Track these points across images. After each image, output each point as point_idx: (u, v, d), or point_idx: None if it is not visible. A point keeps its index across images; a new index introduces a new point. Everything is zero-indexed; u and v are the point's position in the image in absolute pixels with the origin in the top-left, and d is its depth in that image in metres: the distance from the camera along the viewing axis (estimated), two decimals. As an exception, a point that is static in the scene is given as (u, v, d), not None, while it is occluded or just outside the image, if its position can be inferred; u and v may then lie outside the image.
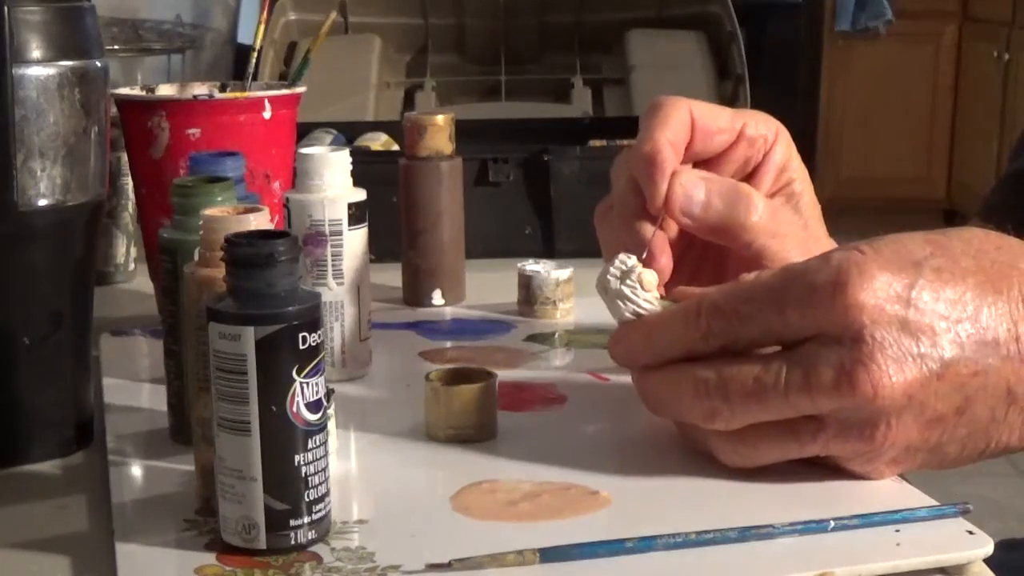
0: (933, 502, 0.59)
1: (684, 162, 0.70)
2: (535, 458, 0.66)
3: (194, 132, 0.89)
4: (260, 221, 0.62)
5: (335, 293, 0.79)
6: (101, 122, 0.70)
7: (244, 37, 1.76)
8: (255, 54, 0.99)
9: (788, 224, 0.70)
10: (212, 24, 1.65)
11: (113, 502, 0.62)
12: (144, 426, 0.72)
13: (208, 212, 0.62)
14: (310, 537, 0.56)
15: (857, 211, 3.97)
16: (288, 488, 0.55)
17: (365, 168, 0.86)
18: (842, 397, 0.57)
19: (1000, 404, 0.59)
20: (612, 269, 0.64)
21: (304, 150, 0.81)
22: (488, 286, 1.00)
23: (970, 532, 0.57)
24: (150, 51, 1.53)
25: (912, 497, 0.60)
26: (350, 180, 0.80)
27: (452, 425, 0.68)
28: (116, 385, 0.79)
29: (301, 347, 0.54)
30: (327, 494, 0.57)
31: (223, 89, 0.98)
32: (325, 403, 0.56)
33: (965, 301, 0.58)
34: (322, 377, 0.56)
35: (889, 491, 0.61)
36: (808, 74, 4.66)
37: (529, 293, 0.94)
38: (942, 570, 0.55)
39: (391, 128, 1.37)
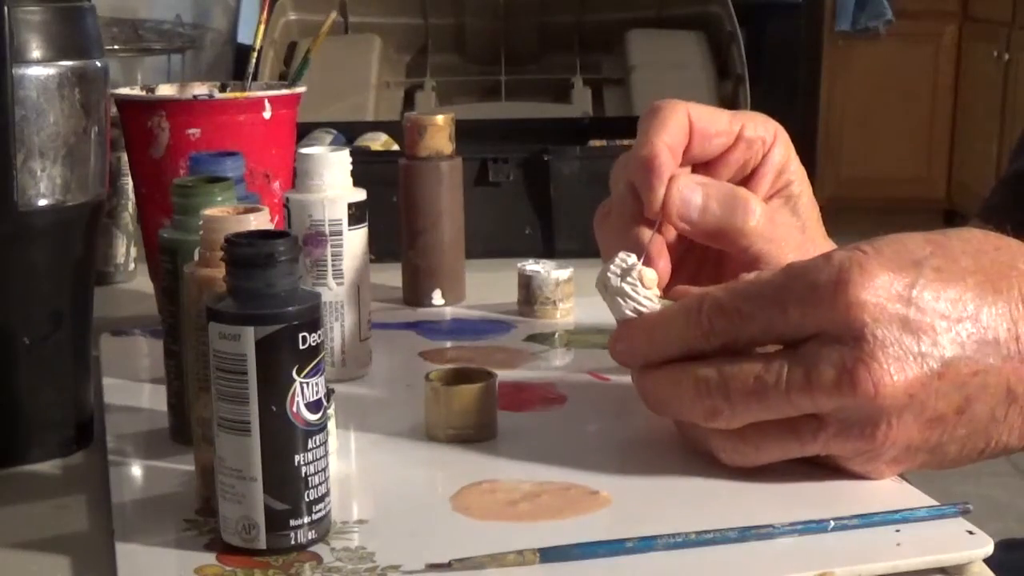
0: (933, 502, 0.59)
1: (682, 165, 0.71)
2: (535, 458, 0.66)
3: (194, 132, 0.89)
4: (260, 221, 0.62)
5: (335, 293, 0.79)
6: (101, 122, 0.70)
7: (244, 37, 1.76)
8: (255, 54, 0.99)
9: (786, 228, 0.71)
10: (212, 24, 1.65)
11: (113, 502, 0.62)
12: (144, 426, 0.72)
13: (208, 212, 0.62)
14: (310, 537, 0.56)
15: (857, 211, 3.98)
16: (288, 488, 0.55)
17: (365, 168, 0.86)
18: (843, 396, 0.57)
19: (1000, 404, 0.59)
20: (612, 267, 0.64)
21: (304, 150, 0.81)
22: (488, 286, 1.00)
23: (970, 532, 0.57)
24: (150, 51, 1.53)
25: (912, 497, 0.60)
26: (350, 180, 0.80)
27: (452, 425, 0.68)
28: (116, 385, 0.79)
29: (301, 347, 0.54)
30: (327, 494, 0.57)
31: (223, 89, 0.98)
32: (325, 403, 0.56)
33: (965, 300, 0.58)
34: (322, 377, 0.56)
35: (889, 491, 0.61)
36: (808, 74, 4.66)
37: (529, 293, 0.94)
38: (942, 570, 0.55)
39: (391, 128, 1.37)
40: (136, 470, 0.67)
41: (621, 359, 0.64)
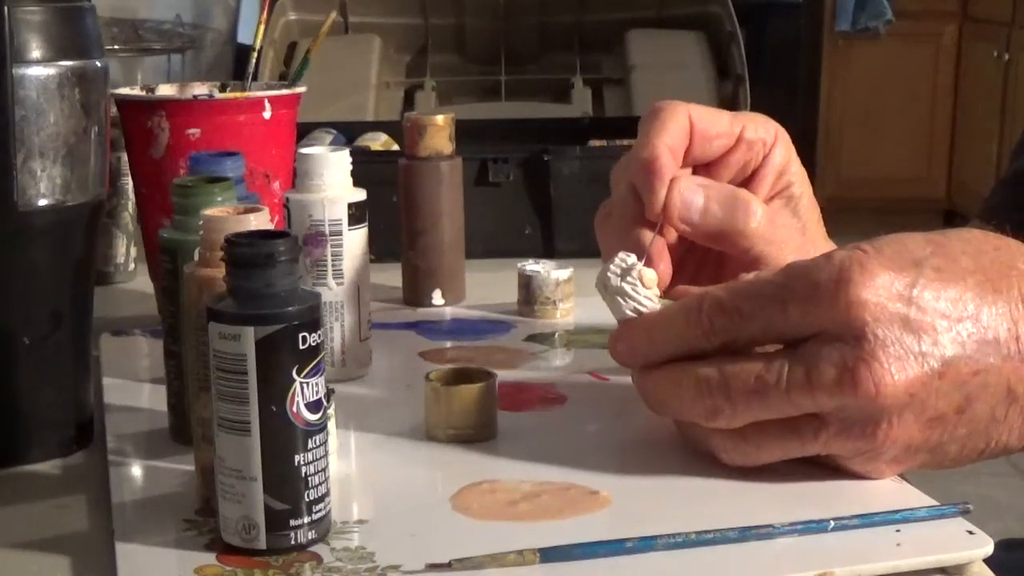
0: (933, 502, 0.59)
1: (683, 167, 0.71)
2: (535, 458, 0.66)
3: (194, 132, 0.89)
4: (260, 221, 0.62)
5: (335, 293, 0.79)
6: (101, 122, 0.70)
7: (244, 37, 1.76)
8: (255, 54, 0.99)
9: (786, 230, 0.71)
10: (212, 24, 1.65)
11: (113, 502, 0.62)
12: (144, 426, 0.72)
13: (208, 212, 0.62)
14: (310, 537, 0.56)
15: (857, 211, 3.98)
16: (288, 488, 0.55)
17: (365, 168, 0.86)
18: (844, 395, 0.57)
19: (1000, 403, 0.59)
20: (612, 267, 0.64)
21: (304, 150, 0.81)
22: (488, 286, 1.00)
23: (970, 532, 0.57)
24: (150, 51, 1.53)
25: (912, 497, 0.60)
26: (350, 180, 0.80)
27: (452, 425, 0.68)
28: (116, 385, 0.79)
29: (301, 347, 0.54)
30: (327, 494, 0.57)
31: (223, 89, 0.98)
32: (325, 403, 0.56)
33: (966, 300, 0.58)
34: (322, 377, 0.56)
35: (889, 491, 0.61)
36: (808, 74, 4.66)
37: (529, 293, 0.94)
38: (942, 570, 0.55)
39: (391, 128, 1.37)
40: (136, 470, 0.67)
41: (621, 359, 0.64)
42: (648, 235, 0.68)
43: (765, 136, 0.72)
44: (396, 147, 1.32)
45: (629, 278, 0.63)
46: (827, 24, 4.58)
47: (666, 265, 0.67)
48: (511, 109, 2.41)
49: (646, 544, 0.55)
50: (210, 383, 0.56)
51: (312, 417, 0.55)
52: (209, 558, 0.56)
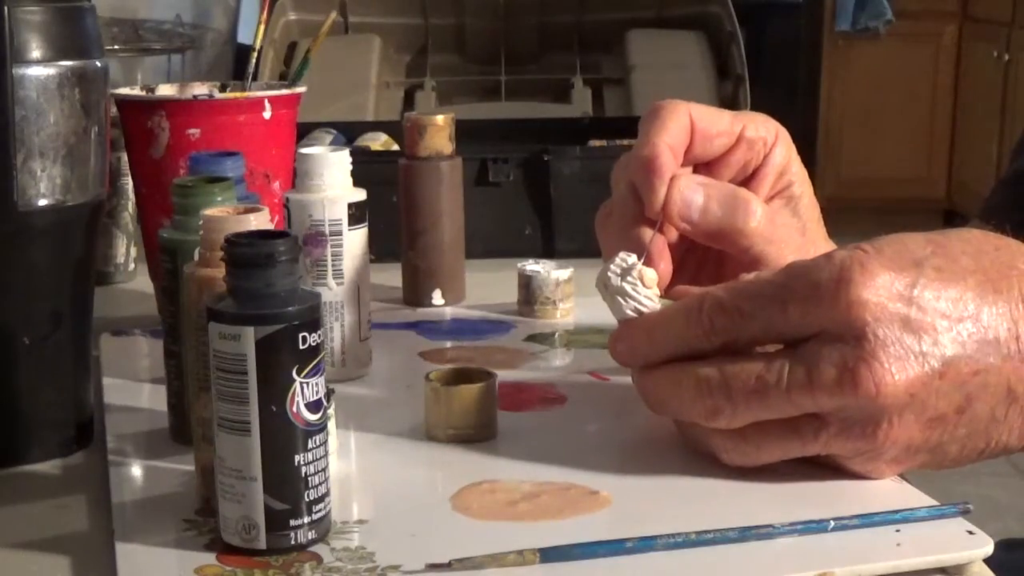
0: (933, 502, 0.59)
1: (684, 166, 0.71)
2: (535, 458, 0.66)
3: (194, 132, 0.89)
4: (260, 221, 0.62)
5: (335, 293, 0.79)
6: (101, 122, 0.70)
7: (244, 37, 1.76)
8: (255, 54, 0.99)
9: (786, 229, 0.71)
10: (212, 24, 1.65)
11: (113, 502, 0.62)
12: (144, 426, 0.72)
13: (208, 212, 0.62)
14: (310, 537, 0.56)
15: (857, 211, 3.98)
16: (288, 488, 0.55)
17: (365, 168, 0.86)
18: (844, 395, 0.57)
19: (1000, 403, 0.59)
20: (612, 266, 0.64)
21: (304, 150, 0.81)
22: (488, 286, 1.00)
23: (970, 532, 0.57)
24: (150, 51, 1.53)
25: (912, 497, 0.60)
26: (350, 180, 0.80)
27: (452, 425, 0.68)
28: (116, 385, 0.79)
29: (301, 347, 0.54)
30: (327, 494, 0.57)
31: (223, 89, 0.98)
32: (325, 403, 0.56)
33: (966, 300, 0.58)
34: (322, 377, 0.56)
35: (889, 491, 0.61)
36: (808, 74, 4.66)
37: (529, 293, 0.94)
38: (942, 570, 0.55)
39: (391, 128, 1.37)
40: (136, 470, 0.67)
41: (621, 359, 0.64)
42: (648, 234, 0.68)
43: (766, 135, 0.72)
44: (396, 147, 1.32)
45: (629, 278, 0.63)
46: (827, 24, 4.58)
47: (666, 264, 0.67)
48: (511, 109, 2.42)
49: (646, 544, 0.55)
50: (210, 383, 0.56)
51: (312, 417, 0.55)
52: (209, 558, 0.56)
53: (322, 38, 0.98)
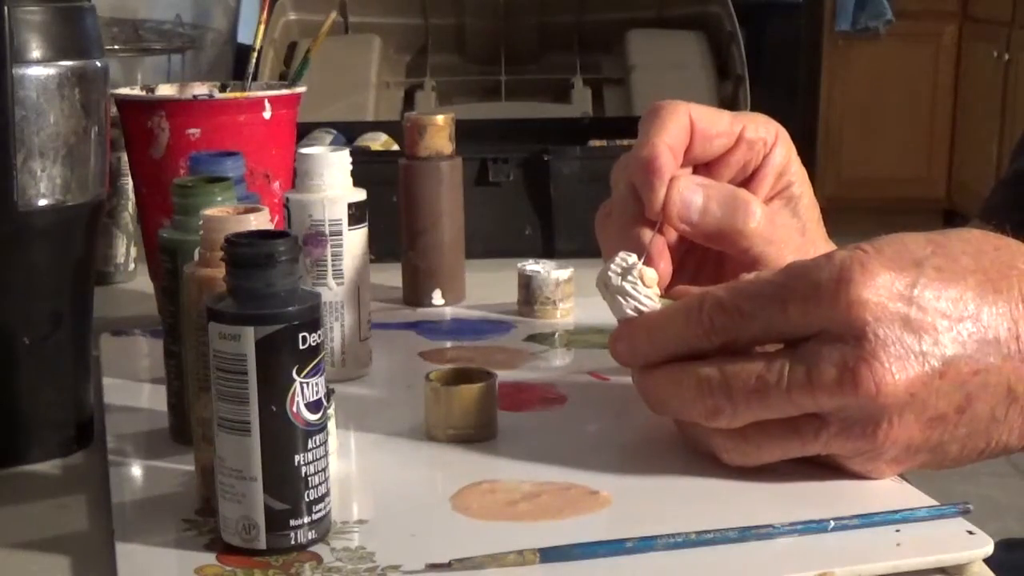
0: (933, 502, 0.59)
1: (683, 166, 0.71)
2: (535, 458, 0.66)
3: (194, 132, 0.89)
4: (260, 221, 0.62)
5: (335, 293, 0.79)
6: (101, 122, 0.70)
7: (244, 37, 1.76)
8: (255, 54, 0.99)
9: (786, 230, 0.71)
10: (212, 24, 1.65)
11: (113, 502, 0.62)
12: (144, 426, 0.72)
13: (208, 212, 0.62)
14: (310, 537, 0.56)
15: (857, 211, 3.98)
16: (288, 488, 0.55)
17: (365, 168, 0.86)
18: (845, 395, 0.57)
19: (1001, 403, 0.59)
20: (613, 266, 0.64)
21: (304, 150, 0.81)
22: (488, 286, 1.00)
23: (970, 532, 0.57)
24: (150, 51, 1.53)
25: (912, 497, 0.60)
26: (350, 180, 0.80)
27: (452, 425, 0.68)
28: (116, 385, 0.79)
29: (301, 347, 0.54)
30: (327, 494, 0.57)
31: (223, 89, 0.98)
32: (325, 403, 0.56)
33: (966, 300, 0.58)
34: (322, 377, 0.56)
35: (889, 491, 0.61)
36: (808, 74, 4.66)
37: (529, 293, 0.94)
38: (942, 570, 0.55)
39: (391, 128, 1.37)
40: (136, 470, 0.67)
41: (622, 359, 0.64)
42: (648, 234, 0.68)
43: (765, 136, 0.72)
44: (396, 147, 1.32)
45: (630, 277, 0.63)
46: (827, 24, 4.58)
47: (666, 264, 0.67)
48: (511, 109, 2.42)
49: (646, 544, 0.55)
50: (210, 383, 0.56)
51: (312, 417, 0.55)
52: (209, 558, 0.56)
53: (322, 38, 0.98)
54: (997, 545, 0.56)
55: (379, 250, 0.93)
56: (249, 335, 0.54)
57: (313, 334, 0.55)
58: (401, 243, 0.98)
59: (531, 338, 0.89)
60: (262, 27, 0.99)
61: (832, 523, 0.57)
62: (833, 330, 0.57)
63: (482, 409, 0.69)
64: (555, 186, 1.16)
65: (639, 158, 0.68)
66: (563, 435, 0.70)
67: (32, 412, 0.69)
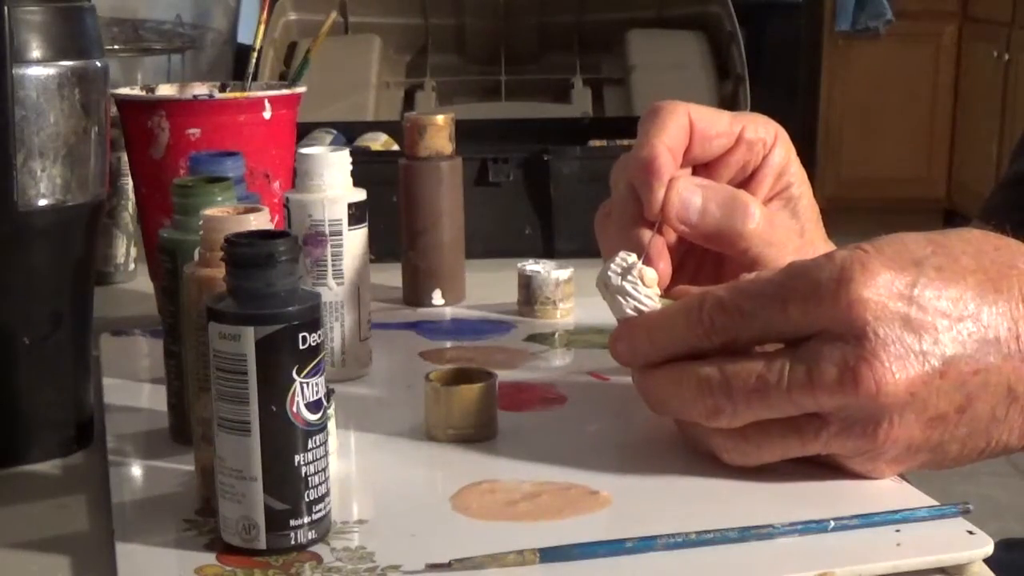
0: (933, 502, 0.59)
1: (683, 167, 0.71)
2: (535, 458, 0.66)
3: (194, 132, 0.89)
4: (260, 221, 0.62)
5: (335, 293, 0.79)
6: (101, 122, 0.70)
7: (244, 37, 1.76)
8: (255, 54, 0.99)
9: (785, 231, 0.71)
10: (212, 24, 1.65)
11: (113, 502, 0.62)
12: (144, 426, 0.72)
13: (208, 212, 0.62)
14: (310, 537, 0.56)
15: (857, 211, 3.98)
16: (288, 488, 0.55)
17: (365, 168, 0.86)
18: (845, 394, 0.57)
19: (1001, 403, 0.59)
20: (612, 266, 0.64)
21: (304, 150, 0.81)
22: (488, 286, 1.00)
23: (970, 532, 0.57)
24: (150, 51, 1.53)
25: (912, 497, 0.60)
26: (350, 180, 0.80)
27: (452, 425, 0.68)
28: (116, 385, 0.79)
29: (301, 347, 0.54)
30: (327, 494, 0.57)
31: (223, 89, 0.98)
32: (325, 403, 0.56)
33: (966, 300, 0.58)
34: (322, 377, 0.56)
35: (889, 491, 0.61)
36: (808, 74, 4.66)
37: (529, 293, 0.94)
38: (942, 570, 0.55)
39: (391, 128, 1.37)
40: (136, 470, 0.67)
41: (622, 358, 0.64)
42: (647, 234, 0.68)
43: (765, 136, 0.72)
44: (396, 147, 1.32)
45: (630, 277, 0.63)
46: (827, 24, 4.58)
47: (665, 264, 0.67)
48: (511, 109, 2.41)
49: (646, 544, 0.55)
50: (210, 383, 0.56)
51: (312, 417, 0.55)
52: (209, 558, 0.56)
53: (322, 38, 0.98)
54: (997, 545, 0.56)
55: (379, 250, 0.93)
56: (249, 335, 0.54)
57: (313, 334, 0.55)
58: (401, 243, 0.98)
59: (531, 338, 0.89)
60: (262, 27, 0.99)
61: (832, 523, 0.57)
62: (833, 329, 0.57)
63: (482, 409, 0.69)
64: (555, 186, 1.16)
65: (638, 159, 0.68)
66: (563, 435, 0.70)
67: (32, 412, 0.69)
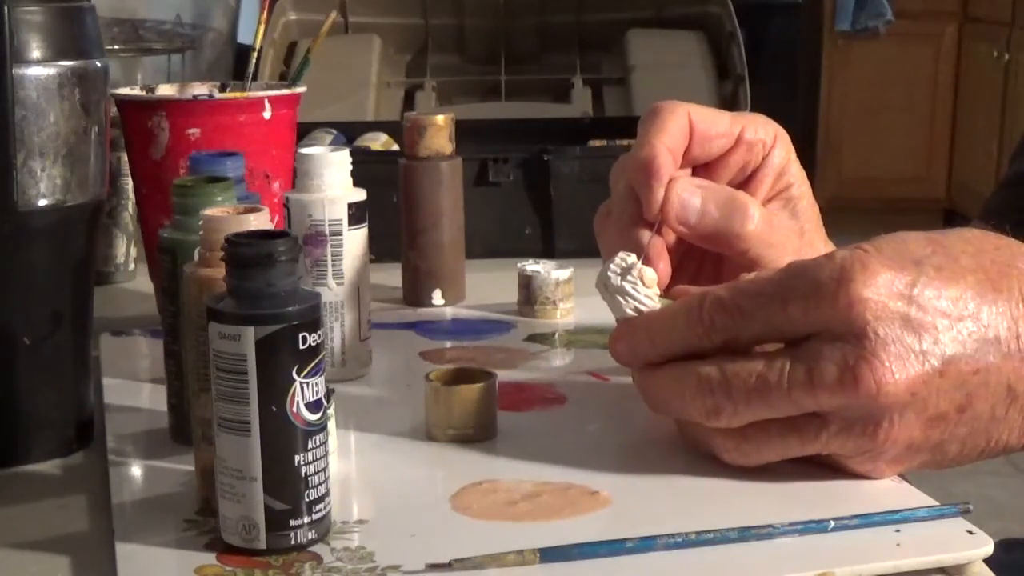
0: (933, 502, 0.59)
1: (682, 167, 0.71)
2: (535, 458, 0.66)
3: (194, 132, 0.89)
4: (260, 221, 0.62)
5: (335, 293, 0.79)
6: (101, 122, 0.70)
7: (244, 37, 1.76)
8: (255, 54, 0.99)
9: (784, 232, 0.71)
10: (212, 24, 1.65)
11: (113, 502, 0.62)
12: (144, 426, 0.72)
13: (208, 212, 0.62)
14: (310, 537, 0.56)
15: (857, 211, 3.98)
16: (288, 488, 0.55)
17: (365, 168, 0.86)
18: (846, 394, 0.57)
19: (1000, 402, 0.59)
20: (612, 266, 0.64)
21: (304, 150, 0.81)
22: (488, 286, 1.00)
23: (970, 532, 0.57)
24: (150, 51, 1.53)
25: (912, 497, 0.60)
26: (350, 180, 0.80)
27: (452, 425, 0.68)
28: (116, 385, 0.79)
29: (301, 347, 0.54)
30: (327, 494, 0.57)
31: (223, 89, 0.98)
32: (325, 403, 0.56)
33: (966, 299, 0.58)
34: (322, 377, 0.56)
35: (889, 491, 0.61)
36: (808, 74, 4.66)
37: (529, 293, 0.94)
38: (942, 570, 0.55)
39: (391, 128, 1.37)
40: (136, 470, 0.67)
41: (622, 358, 0.64)
42: (647, 235, 0.68)
43: (764, 137, 0.72)
44: (396, 147, 1.32)
45: (629, 277, 0.63)
46: (827, 24, 4.58)
47: (665, 265, 0.67)
48: (511, 109, 2.41)
49: (646, 544, 0.55)
50: (210, 383, 0.56)
51: (312, 417, 0.55)
52: (209, 558, 0.56)
53: (322, 38, 0.98)
54: (997, 545, 0.56)
55: (379, 250, 0.93)
56: (249, 335, 0.54)
57: (313, 334, 0.55)
58: (401, 243, 0.98)
59: (531, 338, 0.89)
60: (262, 27, 0.99)
61: (832, 523, 0.57)
62: (834, 329, 0.57)
63: (482, 409, 0.69)
64: (555, 186, 1.16)
65: (638, 159, 0.68)
66: (563, 435, 0.70)
67: (32, 412, 0.69)
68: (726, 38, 2.48)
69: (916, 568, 0.55)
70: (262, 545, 0.55)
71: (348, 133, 1.38)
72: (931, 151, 4.68)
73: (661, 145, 0.68)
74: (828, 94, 4.65)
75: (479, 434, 0.68)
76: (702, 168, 0.72)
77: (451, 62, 2.60)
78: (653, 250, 0.67)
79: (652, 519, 0.58)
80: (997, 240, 0.61)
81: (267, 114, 0.91)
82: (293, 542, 0.55)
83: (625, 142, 1.27)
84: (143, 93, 0.95)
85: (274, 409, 0.54)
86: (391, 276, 1.00)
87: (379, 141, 1.36)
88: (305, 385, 0.55)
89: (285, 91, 0.93)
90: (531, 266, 0.94)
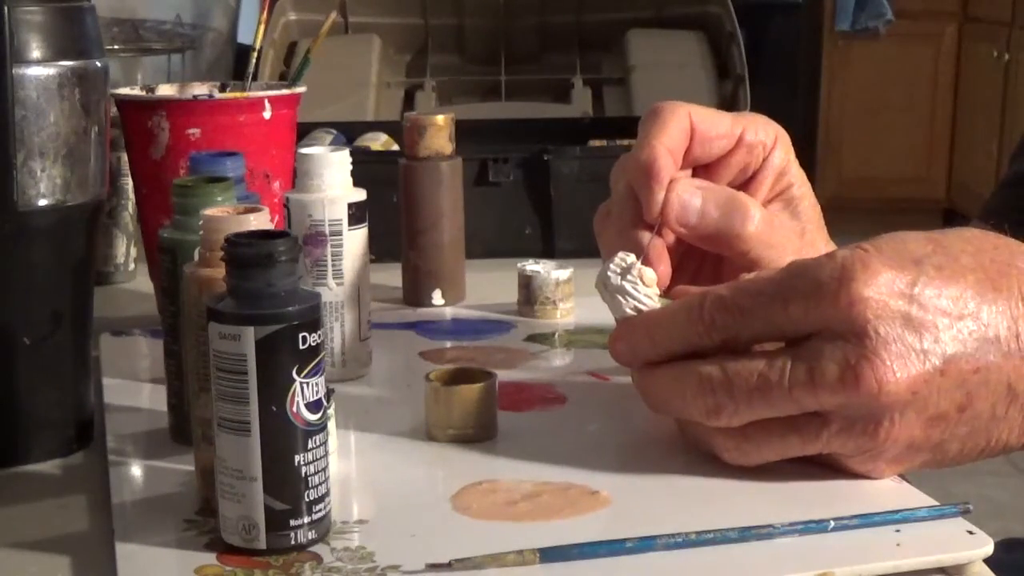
0: (933, 502, 0.59)
1: (683, 168, 0.71)
2: (535, 458, 0.66)
3: (194, 132, 0.89)
4: (260, 221, 0.62)
5: (335, 293, 0.79)
6: (101, 122, 0.70)
7: (244, 37, 1.76)
8: (255, 54, 0.99)
9: (784, 233, 0.71)
10: (212, 24, 1.65)
11: (113, 502, 0.62)
12: (144, 426, 0.72)
13: (208, 212, 0.62)
14: (310, 537, 0.56)
15: (857, 211, 3.98)
16: (288, 488, 0.55)
17: (365, 168, 0.86)
18: (847, 393, 0.57)
19: (1001, 401, 0.59)
20: (612, 266, 0.64)
21: (304, 150, 0.81)
22: (488, 286, 1.00)
23: (970, 532, 0.57)
24: (150, 51, 1.53)
25: (912, 497, 0.60)
26: (350, 180, 0.80)
27: (452, 425, 0.68)
28: (116, 385, 0.79)
29: (301, 347, 0.54)
30: (327, 494, 0.57)
31: (223, 89, 0.98)
32: (325, 403, 0.56)
33: (966, 298, 0.58)
34: (322, 377, 0.56)
35: (889, 491, 0.61)
36: (808, 74, 4.66)
37: (529, 293, 0.94)
38: (942, 570, 0.55)
39: (391, 128, 1.37)
40: (136, 470, 0.67)
41: (622, 358, 0.64)
42: (647, 236, 0.68)
43: (765, 138, 0.72)
44: (396, 147, 1.32)
45: (629, 277, 0.63)
46: (827, 24, 4.58)
47: (665, 266, 0.67)
48: (511, 109, 2.41)
49: (646, 544, 0.55)
50: (210, 383, 0.56)
51: (312, 417, 0.55)
52: (209, 558, 0.56)
53: (322, 38, 0.98)
54: (997, 545, 0.56)
55: (379, 250, 0.93)
56: (249, 335, 0.54)
57: (313, 334, 0.55)
58: (401, 243, 0.98)
59: (531, 338, 0.89)
60: (262, 27, 0.99)
61: (832, 523, 0.57)
62: (834, 328, 0.57)
63: (482, 409, 0.69)
64: (555, 186, 1.16)
65: (638, 160, 0.68)
66: (563, 435, 0.70)
67: (32, 412, 0.69)
68: (726, 38, 2.48)
69: (916, 568, 0.55)
70: (262, 545, 0.55)
71: (348, 133, 1.38)
72: (931, 151, 4.68)
73: (661, 146, 0.68)
74: (828, 94, 4.65)
75: (479, 434, 0.68)
76: (702, 169, 0.72)
77: (451, 62, 2.60)
78: (653, 252, 0.67)
79: (652, 519, 0.58)
80: (997, 239, 0.61)
81: (267, 114, 0.91)
82: (293, 542, 0.55)
83: (625, 142, 1.27)
84: (143, 93, 0.95)
85: (274, 409, 0.54)
86: (391, 276, 1.00)
87: (379, 141, 1.36)
88: (305, 385, 0.55)
89: (285, 91, 0.93)
90: (531, 266, 0.94)
